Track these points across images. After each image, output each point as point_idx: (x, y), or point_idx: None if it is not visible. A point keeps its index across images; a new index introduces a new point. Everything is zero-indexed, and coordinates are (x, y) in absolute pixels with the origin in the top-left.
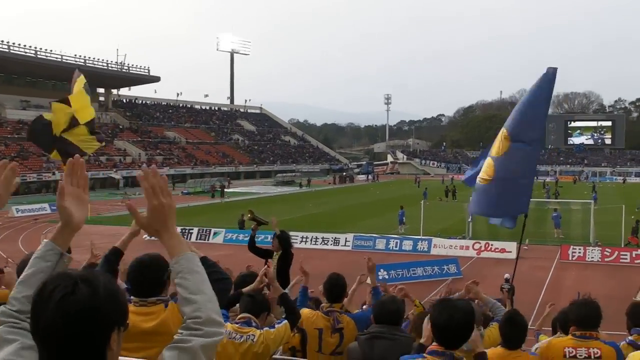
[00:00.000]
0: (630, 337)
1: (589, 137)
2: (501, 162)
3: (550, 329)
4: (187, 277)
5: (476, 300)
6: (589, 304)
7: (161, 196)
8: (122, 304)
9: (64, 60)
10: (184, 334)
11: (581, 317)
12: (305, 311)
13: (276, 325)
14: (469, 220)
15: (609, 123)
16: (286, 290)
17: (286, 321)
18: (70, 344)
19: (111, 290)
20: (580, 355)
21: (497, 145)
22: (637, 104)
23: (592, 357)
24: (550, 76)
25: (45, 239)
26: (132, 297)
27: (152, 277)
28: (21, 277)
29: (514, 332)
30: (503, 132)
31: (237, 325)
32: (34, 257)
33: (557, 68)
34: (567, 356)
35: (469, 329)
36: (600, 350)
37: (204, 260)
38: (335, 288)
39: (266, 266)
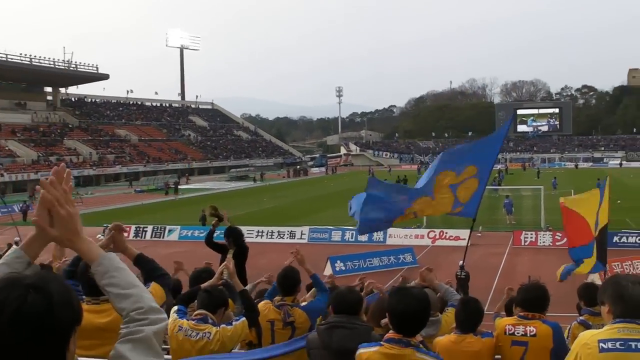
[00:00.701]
0: (581, 317)
1: (544, 123)
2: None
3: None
4: (115, 275)
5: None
6: (535, 287)
7: (67, 205)
8: (76, 304)
9: (9, 60)
10: (132, 327)
11: (526, 300)
12: (261, 304)
13: (234, 323)
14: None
15: (556, 110)
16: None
17: (244, 318)
18: (30, 355)
19: (65, 294)
20: (517, 333)
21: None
22: (583, 91)
23: (528, 334)
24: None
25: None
26: (84, 297)
27: None
28: None
29: (469, 316)
30: (471, 174)
31: (193, 322)
32: (0, 264)
33: (515, 112)
34: (507, 333)
35: (425, 315)
36: (536, 328)
37: (141, 257)
38: (286, 280)
39: (225, 262)
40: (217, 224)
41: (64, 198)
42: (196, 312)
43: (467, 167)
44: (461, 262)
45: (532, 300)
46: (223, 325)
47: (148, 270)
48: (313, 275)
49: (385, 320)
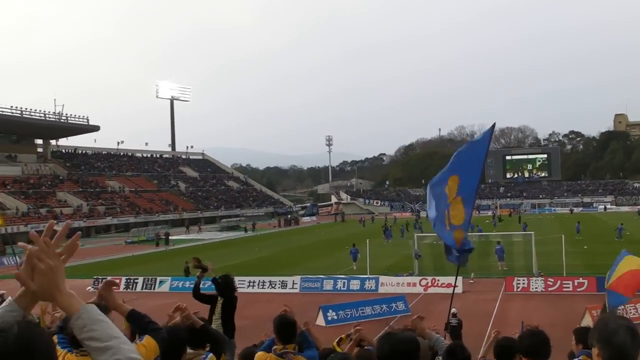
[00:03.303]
0: (579, 358)
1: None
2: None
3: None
4: (94, 328)
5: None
6: (538, 334)
7: (48, 259)
8: (39, 351)
9: (0, 113)
10: None
11: (533, 346)
12: (258, 354)
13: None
14: (415, 256)
15: (544, 156)
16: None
17: (211, 354)
18: None
19: (25, 339)
20: None
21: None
22: (570, 136)
23: None
24: (489, 131)
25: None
26: (72, 349)
27: None
28: None
29: None
30: (457, 199)
31: None
32: None
33: (494, 123)
34: None
35: (413, 358)
36: None
37: (134, 314)
38: (285, 327)
39: (178, 304)
40: (202, 276)
41: (45, 252)
42: None
43: (450, 178)
44: (454, 309)
45: (539, 346)
46: None
47: (141, 325)
48: (301, 333)
49: None
